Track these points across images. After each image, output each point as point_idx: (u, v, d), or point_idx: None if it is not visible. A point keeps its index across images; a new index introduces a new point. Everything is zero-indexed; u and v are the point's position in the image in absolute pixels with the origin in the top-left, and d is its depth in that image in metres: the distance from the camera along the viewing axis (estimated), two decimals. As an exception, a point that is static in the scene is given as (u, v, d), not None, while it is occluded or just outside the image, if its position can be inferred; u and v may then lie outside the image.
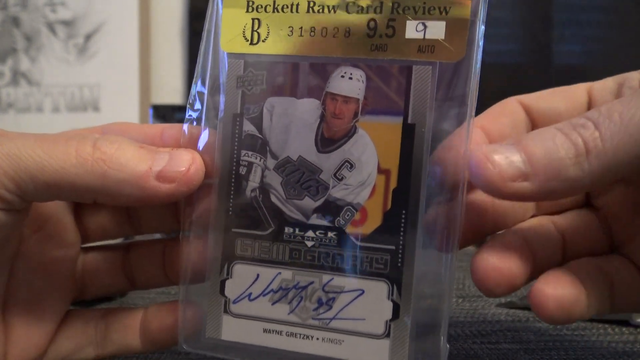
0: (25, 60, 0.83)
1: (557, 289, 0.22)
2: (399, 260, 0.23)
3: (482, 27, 0.22)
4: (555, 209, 0.26)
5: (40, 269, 0.25)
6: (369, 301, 0.23)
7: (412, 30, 0.23)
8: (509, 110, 0.25)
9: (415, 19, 0.22)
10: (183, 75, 0.88)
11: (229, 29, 0.24)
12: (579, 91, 0.25)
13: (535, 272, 0.23)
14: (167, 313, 0.26)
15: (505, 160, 0.21)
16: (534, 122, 0.25)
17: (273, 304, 0.24)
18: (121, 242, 0.28)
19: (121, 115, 0.81)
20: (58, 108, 0.83)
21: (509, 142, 0.21)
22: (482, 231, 0.25)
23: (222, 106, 0.24)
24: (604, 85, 0.25)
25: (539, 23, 0.84)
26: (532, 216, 0.26)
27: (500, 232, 0.25)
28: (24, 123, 0.83)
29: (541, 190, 0.21)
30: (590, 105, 0.25)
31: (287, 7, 0.24)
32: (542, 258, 0.24)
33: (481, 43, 0.22)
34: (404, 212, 0.23)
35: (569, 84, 0.26)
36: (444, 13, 0.22)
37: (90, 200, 0.23)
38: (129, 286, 0.27)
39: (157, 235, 0.29)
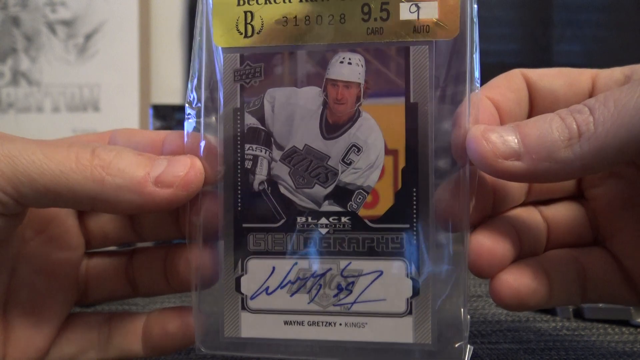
0: (25, 60, 0.83)
1: (517, 280, 0.23)
2: (414, 237, 0.23)
3: (475, 6, 0.23)
4: (547, 196, 0.27)
5: (43, 271, 0.25)
6: (389, 281, 0.23)
7: (406, 11, 0.23)
8: (515, 86, 0.25)
9: (408, 0, 0.23)
10: (183, 75, 0.87)
11: (221, 23, 0.24)
12: (583, 77, 0.25)
13: (519, 258, 0.24)
14: (169, 319, 0.26)
15: (499, 138, 0.21)
16: (532, 99, 0.26)
17: (292, 295, 0.24)
18: (125, 248, 0.28)
19: (121, 115, 0.81)
20: (58, 108, 0.83)
21: (510, 125, 0.22)
22: (488, 210, 0.25)
23: (221, 101, 0.24)
24: (611, 75, 0.25)
25: (539, 23, 0.85)
26: (525, 201, 0.26)
27: (491, 218, 0.25)
28: (24, 123, 0.83)
29: (533, 170, 0.21)
30: (592, 93, 0.25)
31: (280, -3, 0.24)
32: (526, 245, 0.24)
33: (476, 20, 0.23)
34: (414, 190, 0.23)
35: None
36: (436, -7, 0.23)
37: (88, 208, 0.23)
38: (132, 293, 0.27)
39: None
